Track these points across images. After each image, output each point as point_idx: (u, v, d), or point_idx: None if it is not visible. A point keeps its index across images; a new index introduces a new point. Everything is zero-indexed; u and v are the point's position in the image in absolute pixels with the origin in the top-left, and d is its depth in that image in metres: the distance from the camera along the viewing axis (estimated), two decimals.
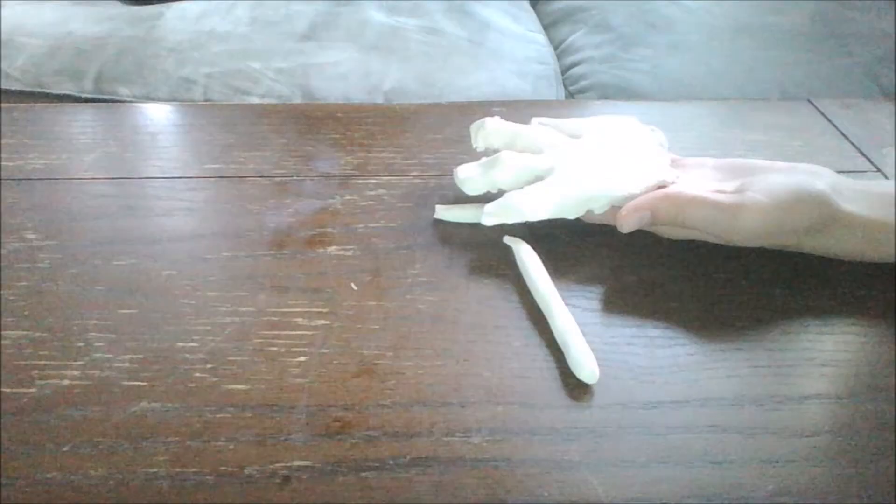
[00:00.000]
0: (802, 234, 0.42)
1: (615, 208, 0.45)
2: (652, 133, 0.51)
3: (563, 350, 0.38)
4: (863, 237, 0.42)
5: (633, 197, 0.45)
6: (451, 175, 0.51)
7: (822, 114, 0.60)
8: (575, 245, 0.46)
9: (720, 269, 0.45)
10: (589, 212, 0.46)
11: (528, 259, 0.43)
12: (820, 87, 0.93)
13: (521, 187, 0.46)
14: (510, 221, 0.44)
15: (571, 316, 0.39)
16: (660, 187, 0.46)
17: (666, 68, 0.96)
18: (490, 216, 0.45)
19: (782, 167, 0.44)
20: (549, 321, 0.40)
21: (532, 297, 0.42)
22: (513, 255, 0.45)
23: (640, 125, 0.52)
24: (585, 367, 0.37)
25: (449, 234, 0.46)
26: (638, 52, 1.00)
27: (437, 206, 0.48)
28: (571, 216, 0.45)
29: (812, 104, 0.62)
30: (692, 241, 0.46)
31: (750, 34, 1.04)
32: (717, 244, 0.45)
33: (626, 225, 0.44)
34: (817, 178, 0.42)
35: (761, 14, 1.09)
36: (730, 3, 1.12)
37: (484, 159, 0.48)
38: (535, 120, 0.51)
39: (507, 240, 0.45)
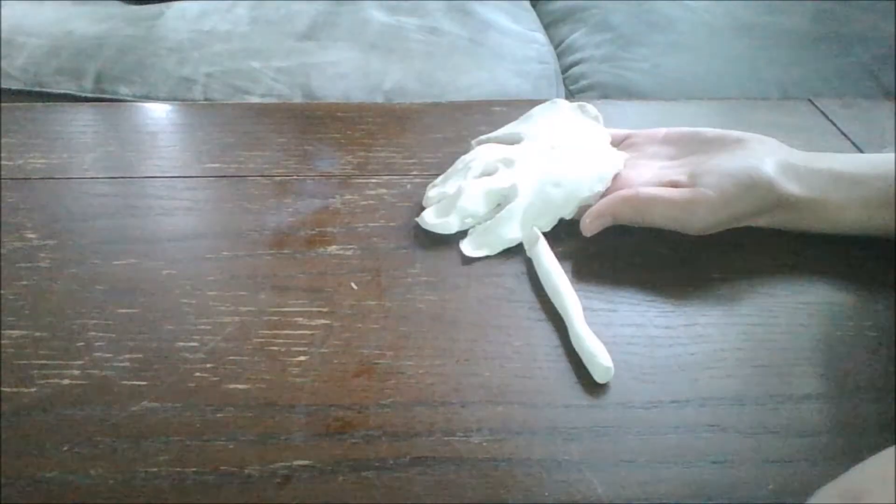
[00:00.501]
0: (751, 216, 0.45)
1: (583, 208, 0.46)
2: (583, 111, 0.52)
3: (578, 347, 0.38)
4: (804, 217, 0.44)
5: (597, 195, 0.46)
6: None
7: (823, 113, 0.60)
8: (573, 245, 0.46)
9: (719, 268, 0.45)
10: (560, 219, 0.47)
11: (543, 254, 0.43)
12: (820, 86, 0.93)
13: (490, 211, 0.47)
14: (493, 252, 0.45)
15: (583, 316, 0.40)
16: (615, 177, 0.48)
17: (666, 68, 0.96)
18: (471, 248, 0.45)
19: (731, 142, 0.46)
20: (565, 318, 0.40)
21: (532, 295, 0.42)
22: (513, 255, 0.45)
23: (568, 106, 0.53)
24: (601, 364, 0.37)
25: (449, 234, 0.46)
26: (638, 51, 1.00)
27: (423, 214, 0.47)
28: (546, 229, 0.46)
29: (812, 103, 0.62)
30: (687, 241, 0.46)
31: (750, 34, 1.04)
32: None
33: (590, 230, 0.45)
34: (765, 158, 0.44)
35: (762, 14, 1.09)
36: (730, 2, 1.12)
37: (437, 193, 0.48)
38: (473, 142, 0.52)
39: (524, 237, 0.45)
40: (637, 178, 0.47)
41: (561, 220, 0.47)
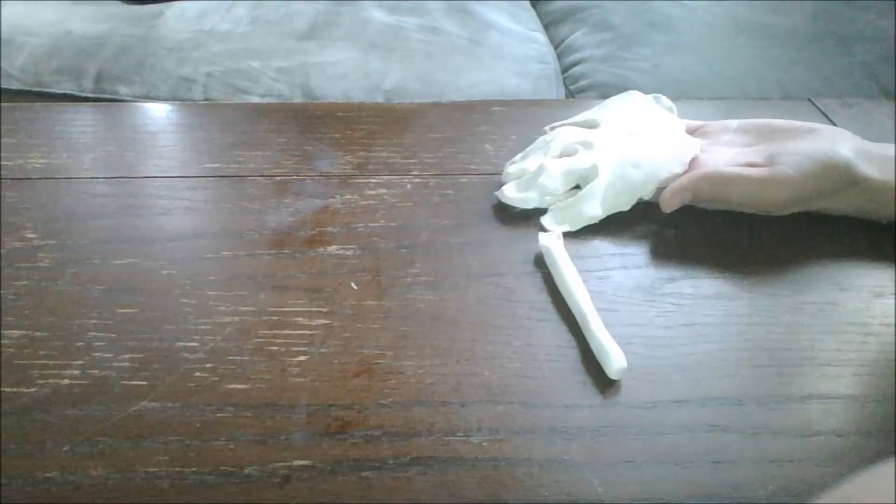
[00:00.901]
0: (827, 197, 0.45)
1: (661, 189, 0.47)
2: (658, 102, 0.53)
3: (593, 345, 0.38)
4: (874, 200, 0.45)
5: (676, 176, 0.47)
6: (451, 175, 0.51)
7: (823, 113, 0.60)
8: (571, 245, 0.46)
9: (719, 268, 0.45)
10: (639, 199, 0.47)
11: (560, 254, 0.43)
12: (820, 86, 0.93)
13: (570, 190, 0.48)
14: (574, 228, 0.46)
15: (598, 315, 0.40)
16: (692, 160, 0.48)
17: (666, 67, 0.96)
18: (552, 223, 0.46)
19: (805, 130, 0.47)
20: (579, 318, 0.40)
21: (532, 295, 0.42)
22: (513, 255, 0.45)
23: (644, 97, 0.54)
24: (615, 361, 0.37)
25: (449, 234, 0.46)
26: (638, 51, 0.99)
27: (504, 188, 0.48)
28: (626, 208, 0.47)
29: (812, 103, 0.62)
30: (686, 242, 0.46)
31: (750, 33, 1.04)
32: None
33: (670, 206, 0.46)
34: (839, 142, 0.45)
35: (762, 13, 1.09)
36: (730, 2, 1.12)
37: (517, 169, 0.49)
38: (547, 128, 0.53)
39: (542, 236, 0.45)
40: (714, 161, 0.48)
41: (640, 201, 0.48)
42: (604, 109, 0.53)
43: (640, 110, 0.53)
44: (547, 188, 0.47)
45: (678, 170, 0.48)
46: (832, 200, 0.46)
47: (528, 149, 0.51)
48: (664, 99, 0.54)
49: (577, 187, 0.48)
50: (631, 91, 0.55)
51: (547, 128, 0.53)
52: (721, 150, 0.50)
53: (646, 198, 0.48)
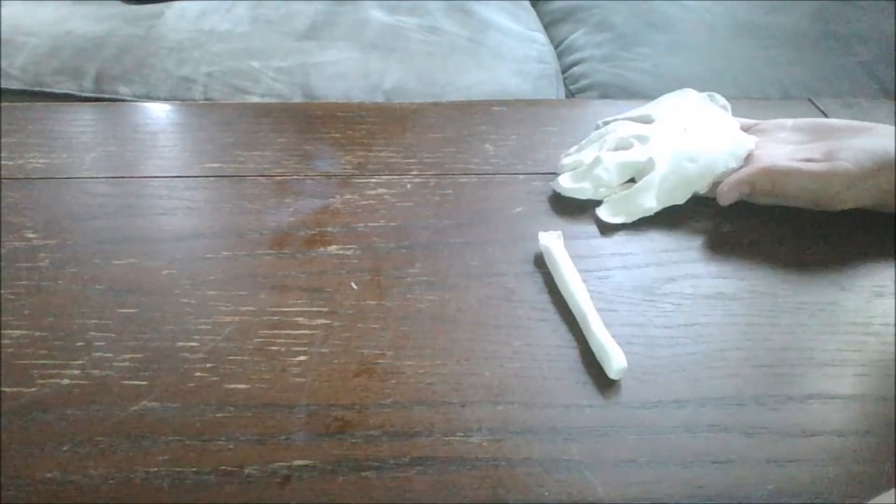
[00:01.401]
0: (883, 193, 0.45)
1: (717, 184, 0.48)
2: (712, 100, 0.54)
3: (594, 345, 0.38)
4: None
5: (731, 171, 0.48)
6: (451, 175, 0.51)
7: (823, 113, 0.60)
8: (571, 245, 0.46)
9: (719, 268, 0.45)
10: (694, 193, 0.48)
11: (560, 254, 0.43)
12: (820, 86, 0.93)
13: (625, 182, 0.48)
14: (630, 220, 0.47)
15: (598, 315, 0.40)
16: (748, 156, 0.49)
17: (666, 67, 0.96)
18: (608, 214, 0.47)
19: (861, 129, 0.47)
20: (579, 318, 0.40)
21: (532, 295, 0.42)
22: (513, 255, 0.45)
23: (698, 94, 0.55)
24: (615, 361, 0.37)
25: (449, 234, 0.46)
26: (638, 51, 0.99)
27: (559, 178, 0.49)
28: (681, 202, 0.48)
29: (813, 103, 0.62)
30: (684, 242, 0.46)
31: (750, 33, 1.04)
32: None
33: (728, 199, 0.47)
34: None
35: (761, 13, 1.09)
36: (730, 2, 1.12)
37: (572, 161, 0.50)
38: (600, 122, 0.53)
39: (542, 236, 0.45)
40: (770, 157, 0.48)
41: (695, 195, 0.48)
42: (658, 106, 0.54)
43: (694, 107, 0.54)
44: (602, 180, 0.48)
45: (734, 164, 0.48)
46: (888, 197, 0.46)
47: (582, 142, 0.52)
48: (718, 97, 0.54)
49: (632, 181, 0.49)
50: (685, 88, 0.55)
51: (600, 122, 0.54)
52: (777, 146, 0.50)
53: (701, 192, 0.48)
